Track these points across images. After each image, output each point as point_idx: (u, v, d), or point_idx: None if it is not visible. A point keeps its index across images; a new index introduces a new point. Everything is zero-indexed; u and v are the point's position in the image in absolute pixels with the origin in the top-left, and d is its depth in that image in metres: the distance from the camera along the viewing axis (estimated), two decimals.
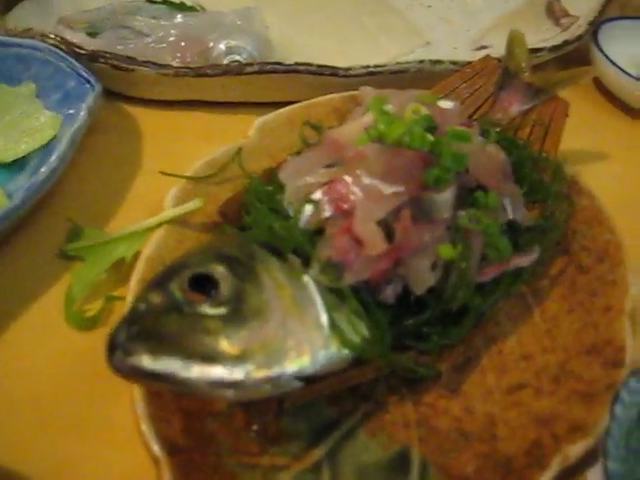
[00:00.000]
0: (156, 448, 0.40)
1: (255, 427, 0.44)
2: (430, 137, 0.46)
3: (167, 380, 0.36)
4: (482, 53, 0.77)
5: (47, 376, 0.49)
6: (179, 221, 0.53)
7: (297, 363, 0.39)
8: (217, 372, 0.37)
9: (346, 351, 0.41)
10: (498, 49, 0.75)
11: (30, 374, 0.49)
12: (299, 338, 0.40)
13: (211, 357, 0.37)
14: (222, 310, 0.39)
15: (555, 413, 0.46)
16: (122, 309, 0.49)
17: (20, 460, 0.45)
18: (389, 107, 0.49)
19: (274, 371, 0.38)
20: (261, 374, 0.38)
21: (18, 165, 0.60)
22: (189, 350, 0.37)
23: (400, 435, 0.45)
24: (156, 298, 0.39)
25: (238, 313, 0.39)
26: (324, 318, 0.41)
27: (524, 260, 0.48)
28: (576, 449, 0.43)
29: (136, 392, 0.43)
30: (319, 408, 0.45)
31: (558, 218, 0.55)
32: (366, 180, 0.43)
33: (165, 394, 0.43)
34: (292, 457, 0.43)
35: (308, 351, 0.39)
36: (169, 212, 0.52)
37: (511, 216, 0.49)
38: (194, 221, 0.53)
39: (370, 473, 0.43)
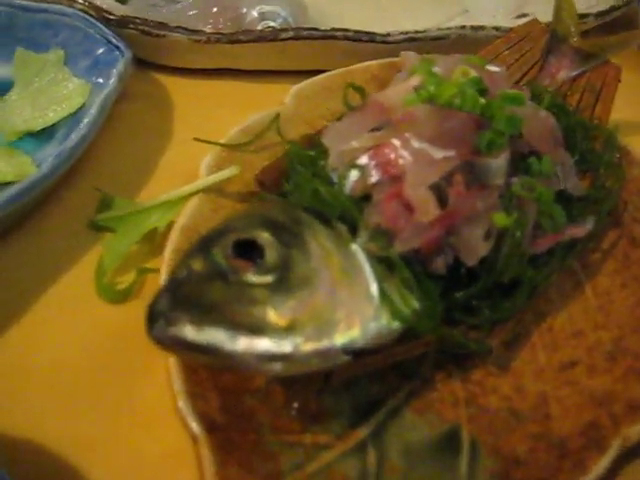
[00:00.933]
0: (194, 425, 0.38)
1: (295, 405, 0.42)
2: (482, 99, 0.43)
3: (211, 352, 0.34)
4: (522, 21, 0.74)
5: (77, 350, 0.47)
6: (214, 190, 0.50)
7: (347, 335, 0.36)
8: (264, 344, 0.34)
9: (396, 324, 0.38)
10: (539, 16, 0.73)
11: (59, 348, 0.47)
12: (349, 309, 0.37)
13: (258, 328, 0.35)
14: (268, 278, 0.36)
15: (611, 392, 0.43)
16: (155, 281, 0.48)
17: (46, 436, 0.43)
18: (437, 69, 0.46)
19: (323, 344, 0.36)
20: (310, 347, 0.35)
21: (46, 134, 0.58)
22: (235, 320, 0.35)
23: (448, 414, 0.43)
24: (198, 265, 0.36)
25: (285, 282, 0.37)
26: (374, 288, 0.38)
27: (579, 230, 0.45)
28: (637, 430, 0.40)
29: (172, 367, 0.41)
30: (362, 385, 0.43)
31: (610, 188, 0.52)
32: (416, 143, 0.41)
33: (201, 370, 0.41)
34: (335, 436, 0.41)
35: (358, 323, 0.37)
36: (204, 180, 0.49)
37: (563, 185, 0.47)
38: (229, 190, 0.51)
39: (418, 453, 0.41)
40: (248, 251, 0.37)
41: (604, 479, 0.39)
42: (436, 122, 0.41)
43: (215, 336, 0.34)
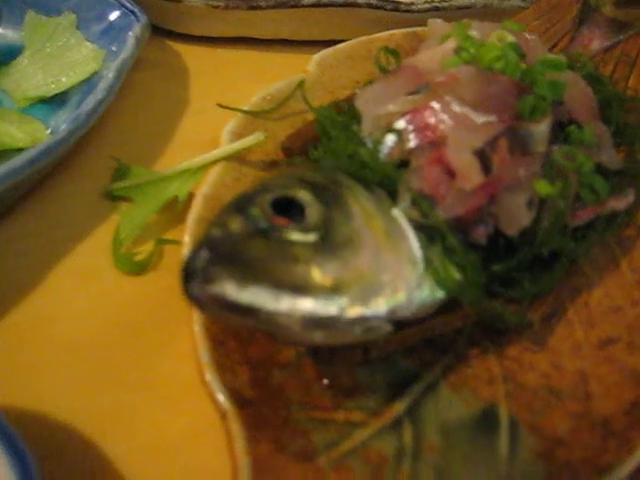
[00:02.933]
0: (223, 400, 0.36)
1: (326, 381, 0.40)
2: (522, 64, 0.42)
3: (253, 313, 0.32)
4: None
5: (95, 322, 0.45)
6: (236, 158, 0.48)
7: (392, 300, 0.34)
8: (309, 305, 0.32)
9: (440, 293, 0.36)
10: None
11: (76, 320, 0.46)
12: (393, 274, 0.35)
13: (302, 288, 0.33)
14: (311, 237, 0.34)
15: None
16: (175, 252, 0.46)
17: (66, 411, 0.41)
18: (473, 33, 0.44)
19: (369, 307, 0.34)
20: (356, 310, 0.33)
21: (59, 100, 0.56)
22: (278, 279, 0.32)
23: (485, 391, 0.41)
24: (235, 224, 0.34)
25: (328, 241, 0.34)
26: (418, 254, 0.36)
27: (620, 202, 0.44)
28: None
29: (198, 338, 0.39)
30: (395, 360, 0.41)
31: None
32: (457, 107, 0.39)
33: (229, 341, 0.39)
34: (369, 413, 0.39)
35: (403, 288, 0.35)
36: (227, 147, 0.48)
37: (600, 158, 0.45)
38: (252, 158, 0.49)
39: (456, 431, 0.39)
40: (287, 210, 0.35)
41: None
42: (478, 85, 0.39)
43: (257, 295, 0.32)
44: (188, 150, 0.54)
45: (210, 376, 0.37)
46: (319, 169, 0.39)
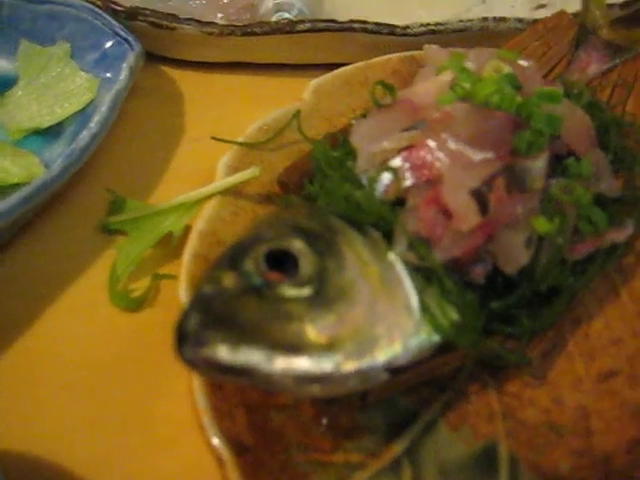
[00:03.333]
0: (221, 447, 0.36)
1: (325, 421, 0.40)
2: (518, 97, 0.41)
3: (247, 374, 0.31)
4: (541, 12, 0.72)
5: (90, 362, 0.45)
6: (232, 192, 0.48)
7: (388, 352, 0.34)
8: (304, 364, 0.32)
9: (436, 337, 0.36)
10: (559, 7, 0.70)
11: (71, 359, 0.45)
12: (389, 323, 0.35)
13: (296, 347, 0.32)
14: (305, 291, 0.34)
15: None
16: (171, 287, 0.46)
17: (58, 451, 0.41)
18: (468, 64, 0.44)
19: (365, 361, 0.33)
20: (351, 365, 0.33)
21: (54, 131, 0.56)
22: (271, 339, 0.32)
23: (485, 428, 0.41)
24: (228, 279, 0.34)
25: (322, 295, 0.34)
26: (414, 300, 0.36)
27: (619, 234, 0.43)
28: None
29: (195, 382, 0.38)
30: (394, 399, 0.41)
31: None
32: (453, 145, 0.39)
33: (226, 385, 0.39)
34: (368, 454, 0.39)
35: (399, 338, 0.34)
36: (222, 182, 0.47)
37: (599, 187, 0.45)
38: (248, 191, 0.49)
39: (455, 471, 0.39)
40: (280, 262, 0.35)
41: None
42: (474, 122, 0.39)
43: (251, 357, 0.31)
44: (184, 180, 0.54)
45: (207, 422, 0.37)
46: (313, 213, 0.39)
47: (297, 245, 0.35)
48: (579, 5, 0.59)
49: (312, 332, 0.33)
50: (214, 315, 0.32)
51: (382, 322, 0.34)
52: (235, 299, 0.33)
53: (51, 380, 0.44)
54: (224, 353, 0.31)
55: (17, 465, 0.40)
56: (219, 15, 0.64)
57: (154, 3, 0.63)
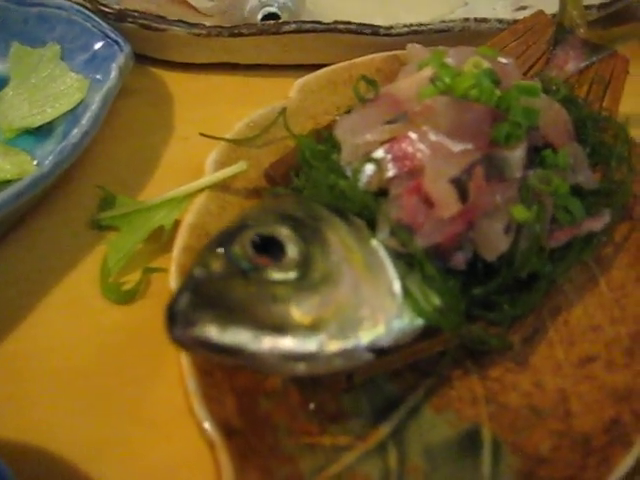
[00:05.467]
0: (212, 430, 0.37)
1: (312, 405, 0.41)
2: (497, 92, 0.43)
3: (235, 353, 0.33)
4: (522, 13, 0.74)
5: (83, 353, 0.46)
6: (220, 186, 0.49)
7: (372, 333, 0.35)
8: (289, 343, 0.33)
9: (419, 321, 0.37)
10: (539, 8, 0.72)
11: (64, 351, 0.46)
12: (373, 306, 0.36)
13: (282, 327, 0.34)
14: (291, 275, 0.35)
15: (631, 388, 0.42)
16: (162, 281, 0.47)
17: (54, 441, 0.41)
18: (449, 60, 0.45)
19: (348, 342, 0.35)
20: (335, 345, 0.34)
21: (45, 131, 0.57)
22: (258, 319, 0.33)
23: (468, 412, 0.42)
24: (217, 263, 0.35)
25: (307, 278, 0.35)
26: (397, 285, 0.37)
27: (596, 223, 0.45)
28: None
29: (185, 369, 0.39)
30: (379, 384, 0.42)
31: (621, 181, 0.51)
32: (433, 136, 0.40)
33: (216, 371, 0.40)
34: (355, 436, 0.40)
35: (383, 320, 0.36)
36: (210, 177, 0.48)
37: (576, 179, 0.46)
38: (236, 186, 0.50)
39: (439, 452, 0.40)
40: (267, 247, 0.36)
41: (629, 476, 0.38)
42: (454, 114, 0.40)
43: (239, 336, 0.33)
44: (173, 177, 0.55)
45: (198, 407, 0.38)
46: (299, 202, 0.40)
47: (283, 231, 0.36)
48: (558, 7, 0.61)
49: (297, 313, 0.34)
50: (203, 296, 0.34)
51: (366, 305, 0.36)
52: (223, 282, 0.35)
53: (44, 370, 0.45)
54: (213, 332, 0.32)
55: (10, 452, 0.40)
56: (207, 11, 0.64)
57: (142, 3, 0.64)
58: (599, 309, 0.47)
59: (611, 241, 0.50)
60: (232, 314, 0.33)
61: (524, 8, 0.76)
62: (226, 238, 0.36)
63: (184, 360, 0.39)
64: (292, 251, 0.36)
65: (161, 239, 0.50)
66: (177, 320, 0.33)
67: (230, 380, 0.40)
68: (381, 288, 0.37)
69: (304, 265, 0.36)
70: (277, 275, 0.35)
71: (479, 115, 0.41)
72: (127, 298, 0.48)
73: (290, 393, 0.41)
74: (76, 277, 0.50)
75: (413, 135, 0.40)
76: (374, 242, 0.38)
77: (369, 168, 0.41)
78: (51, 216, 0.53)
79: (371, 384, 0.42)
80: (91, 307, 0.48)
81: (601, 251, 0.50)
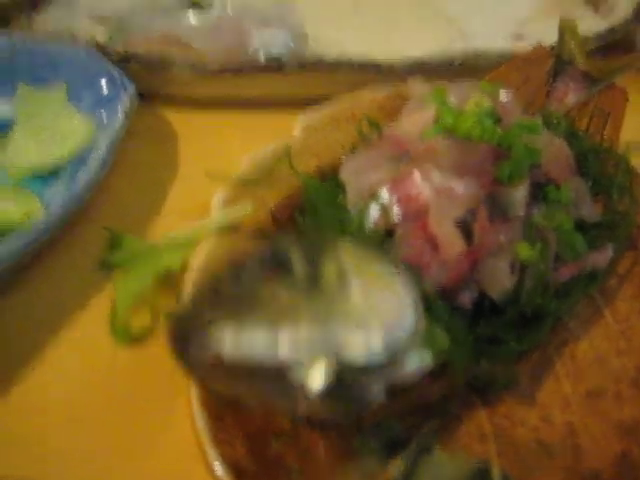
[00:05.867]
0: (223, 473, 0.37)
1: (323, 446, 0.41)
2: (498, 130, 0.43)
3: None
4: (521, 43, 0.74)
5: (92, 394, 0.46)
6: (226, 228, 0.50)
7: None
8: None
9: (427, 359, 0.38)
10: (537, 38, 0.73)
11: (74, 391, 0.46)
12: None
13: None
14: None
15: (639, 421, 0.43)
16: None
17: None
18: (451, 99, 0.46)
19: (362, 379, 0.35)
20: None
21: (52, 172, 0.57)
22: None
23: (477, 448, 0.42)
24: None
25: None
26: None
27: (600, 258, 0.45)
28: None
29: (196, 410, 0.40)
30: (389, 424, 0.42)
31: (624, 213, 0.51)
32: (437, 177, 0.41)
33: (227, 416, 0.40)
34: (366, 476, 0.40)
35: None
36: (217, 218, 0.49)
37: (578, 213, 0.47)
38: (242, 226, 0.50)
39: None
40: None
41: None
42: (457, 155, 0.41)
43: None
44: (179, 216, 0.56)
45: (209, 447, 0.38)
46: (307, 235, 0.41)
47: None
48: (556, 37, 0.62)
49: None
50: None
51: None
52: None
53: (54, 412, 0.45)
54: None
55: None
56: (211, 51, 0.65)
57: (147, 44, 0.65)
58: (605, 341, 0.47)
59: (615, 272, 0.51)
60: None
61: (522, 37, 0.77)
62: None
63: (195, 401, 0.40)
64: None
65: (168, 279, 0.50)
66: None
67: (240, 423, 0.41)
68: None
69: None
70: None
71: (482, 155, 0.41)
72: (136, 339, 0.48)
73: (300, 434, 0.41)
74: (85, 317, 0.50)
75: (417, 176, 0.41)
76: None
77: (375, 209, 0.41)
78: (59, 257, 0.54)
79: (380, 424, 0.42)
80: (101, 347, 0.48)
81: (605, 283, 0.50)
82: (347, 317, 0.35)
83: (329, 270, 0.37)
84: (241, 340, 0.33)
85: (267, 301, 0.35)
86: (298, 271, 0.36)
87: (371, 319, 0.36)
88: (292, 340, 0.34)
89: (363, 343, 0.35)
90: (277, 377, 0.34)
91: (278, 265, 0.37)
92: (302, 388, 0.34)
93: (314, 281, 0.36)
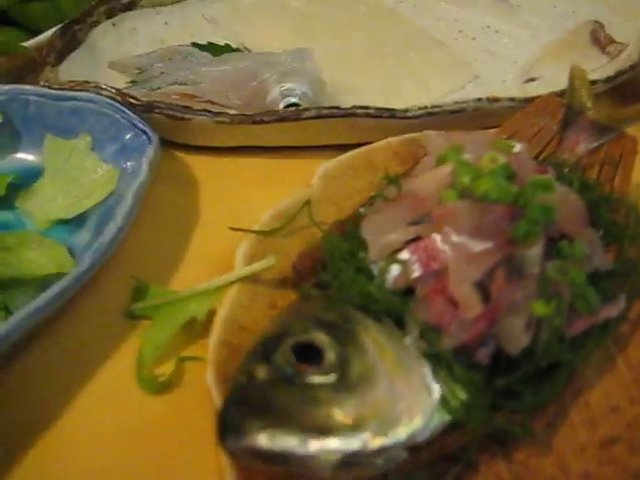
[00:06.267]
0: None
1: None
2: (514, 187, 0.45)
3: (284, 459, 0.35)
4: (532, 85, 0.77)
5: (120, 444, 0.47)
6: (250, 278, 0.51)
7: (410, 427, 0.38)
8: (334, 444, 0.36)
9: (447, 416, 0.39)
10: (548, 80, 0.75)
11: (101, 442, 0.48)
12: (409, 401, 0.39)
13: (327, 429, 0.36)
14: (330, 378, 0.38)
15: None
16: (196, 370, 0.49)
17: None
18: (466, 156, 0.48)
19: (389, 438, 0.37)
20: (377, 442, 0.37)
21: (77, 221, 0.59)
22: (304, 424, 0.36)
23: None
24: (261, 371, 0.38)
25: (346, 380, 0.38)
26: (429, 380, 0.40)
27: (613, 310, 0.46)
28: None
29: (223, 462, 0.41)
30: (410, 474, 0.44)
31: (636, 260, 0.53)
32: (455, 238, 0.42)
33: (255, 475, 0.42)
34: None
35: (419, 414, 0.39)
36: (241, 271, 0.50)
37: (592, 264, 0.48)
38: (265, 277, 0.52)
39: None
40: (306, 352, 0.39)
41: None
42: (475, 217, 0.42)
43: (287, 442, 0.35)
44: (202, 264, 0.57)
45: None
46: (331, 305, 0.43)
47: (320, 337, 0.40)
48: (566, 78, 0.63)
49: (339, 414, 0.37)
50: (251, 406, 0.37)
51: (402, 401, 0.39)
52: (269, 389, 0.37)
53: (81, 462, 0.46)
54: (262, 441, 0.35)
55: None
56: (232, 102, 0.67)
57: (170, 95, 0.67)
58: (618, 389, 0.49)
59: (627, 320, 0.52)
60: (279, 421, 0.36)
61: (533, 80, 0.79)
62: (268, 347, 0.39)
63: (223, 459, 0.41)
64: (330, 356, 0.39)
65: (194, 329, 0.51)
66: (229, 431, 0.35)
67: (268, 476, 0.42)
68: (415, 383, 0.39)
69: (342, 367, 0.39)
70: (318, 379, 0.38)
71: (498, 215, 0.43)
72: (162, 388, 0.50)
73: None
74: (111, 367, 0.52)
75: (437, 237, 0.43)
76: (404, 341, 0.41)
77: (395, 269, 0.43)
78: (85, 307, 0.55)
79: (404, 475, 0.43)
80: (127, 398, 0.50)
81: (618, 330, 0.52)
82: (374, 411, 0.38)
83: (356, 360, 0.39)
84: (276, 438, 0.35)
85: (300, 398, 0.37)
86: (328, 362, 0.39)
87: (396, 415, 0.38)
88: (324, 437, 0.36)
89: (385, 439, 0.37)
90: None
91: (308, 349, 0.40)
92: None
93: (342, 371, 0.39)
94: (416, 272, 0.42)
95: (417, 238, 0.44)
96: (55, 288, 0.48)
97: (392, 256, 0.44)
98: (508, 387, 0.43)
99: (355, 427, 0.37)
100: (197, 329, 0.51)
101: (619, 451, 0.45)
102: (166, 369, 0.51)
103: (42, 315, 0.47)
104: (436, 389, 0.40)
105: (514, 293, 0.41)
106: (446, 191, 0.44)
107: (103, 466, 0.46)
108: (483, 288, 0.41)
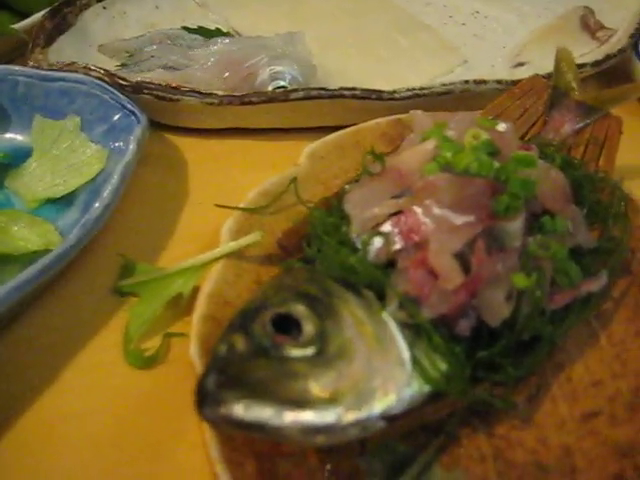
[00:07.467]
0: None
1: (329, 467, 0.43)
2: (495, 163, 0.45)
3: (259, 429, 0.36)
4: (520, 70, 0.77)
5: (107, 417, 0.48)
6: (235, 255, 0.51)
7: (384, 402, 0.38)
8: (308, 417, 0.36)
9: (426, 387, 0.40)
10: (536, 65, 0.75)
11: (89, 416, 0.48)
12: (384, 376, 0.39)
13: (302, 402, 0.36)
14: (308, 351, 0.38)
15: (634, 442, 0.44)
16: (182, 345, 0.49)
17: None
18: (450, 133, 0.48)
19: (363, 412, 0.37)
20: (351, 416, 0.37)
21: (66, 200, 0.60)
22: (280, 396, 0.36)
23: (477, 469, 0.44)
24: (240, 342, 0.38)
25: (324, 353, 0.39)
26: (406, 354, 0.40)
27: (594, 285, 0.47)
28: None
29: (208, 435, 0.41)
30: (392, 445, 0.44)
31: (618, 239, 0.53)
32: (437, 210, 0.42)
33: (237, 436, 0.42)
34: None
35: (394, 389, 0.39)
36: (226, 246, 0.51)
37: (575, 241, 0.48)
38: (250, 253, 0.52)
39: None
40: (285, 325, 0.39)
41: None
42: (455, 190, 0.43)
43: (263, 413, 0.35)
44: (190, 242, 0.58)
45: (220, 470, 0.40)
46: (312, 278, 0.43)
47: (299, 309, 0.40)
48: (553, 62, 0.64)
49: (315, 388, 0.37)
50: (229, 376, 0.37)
51: (378, 376, 0.39)
52: (246, 361, 0.38)
53: (70, 435, 0.47)
54: (239, 411, 0.35)
55: None
56: (221, 85, 0.67)
57: (159, 75, 0.67)
58: (600, 364, 0.49)
59: (610, 296, 0.52)
60: (256, 392, 0.36)
61: (522, 64, 0.79)
62: (247, 318, 0.39)
63: (206, 426, 0.41)
64: (308, 328, 0.39)
65: (180, 304, 0.52)
66: (206, 400, 0.36)
67: (250, 444, 0.42)
68: (391, 359, 0.40)
69: (320, 341, 0.39)
70: (295, 352, 0.38)
71: (479, 189, 0.43)
72: (149, 363, 0.50)
73: (308, 456, 0.43)
74: (99, 343, 0.52)
75: (418, 210, 0.43)
76: (383, 314, 0.41)
77: (377, 241, 0.43)
78: (73, 284, 0.56)
79: (384, 445, 0.44)
80: (115, 373, 0.50)
81: (601, 306, 0.52)
82: (351, 385, 0.38)
83: (334, 334, 0.39)
84: (252, 408, 0.36)
85: (277, 369, 0.38)
86: (306, 334, 0.39)
87: (371, 390, 0.38)
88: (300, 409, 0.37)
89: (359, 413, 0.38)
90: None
91: (287, 322, 0.40)
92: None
93: (320, 345, 0.39)
94: (397, 244, 0.43)
95: (400, 212, 0.44)
96: (42, 262, 0.48)
97: (374, 229, 0.44)
98: (490, 359, 0.44)
99: (331, 400, 0.37)
100: (183, 305, 0.52)
101: (600, 424, 0.46)
102: (153, 344, 0.51)
103: (28, 289, 0.48)
104: (413, 362, 0.40)
105: (494, 265, 0.42)
106: (428, 164, 0.44)
107: (89, 438, 0.47)
108: (464, 261, 0.42)
